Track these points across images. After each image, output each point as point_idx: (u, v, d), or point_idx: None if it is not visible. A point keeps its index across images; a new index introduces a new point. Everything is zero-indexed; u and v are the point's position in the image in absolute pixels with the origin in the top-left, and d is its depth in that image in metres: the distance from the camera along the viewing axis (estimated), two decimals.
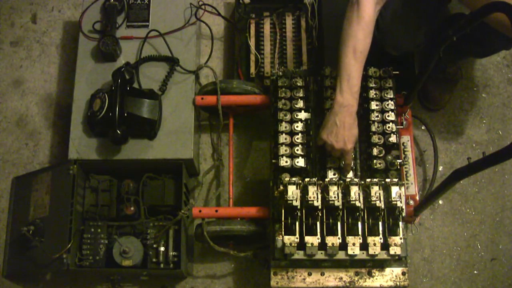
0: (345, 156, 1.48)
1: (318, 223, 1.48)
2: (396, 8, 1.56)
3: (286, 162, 1.53)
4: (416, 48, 1.70)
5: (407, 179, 1.63)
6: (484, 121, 1.96)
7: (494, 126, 1.95)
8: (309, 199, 1.44)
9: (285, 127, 1.57)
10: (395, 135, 1.55)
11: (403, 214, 1.48)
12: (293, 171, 1.54)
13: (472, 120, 1.96)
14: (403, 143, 1.66)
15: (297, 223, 1.47)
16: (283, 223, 1.47)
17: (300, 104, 1.60)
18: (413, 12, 1.58)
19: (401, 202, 1.45)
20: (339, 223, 1.48)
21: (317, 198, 1.44)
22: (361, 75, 1.41)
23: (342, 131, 1.42)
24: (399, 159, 1.54)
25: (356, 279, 1.53)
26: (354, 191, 1.45)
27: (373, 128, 1.56)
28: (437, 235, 1.83)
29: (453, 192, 1.87)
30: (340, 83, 1.40)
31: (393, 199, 1.45)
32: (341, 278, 1.53)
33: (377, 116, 1.57)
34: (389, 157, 1.54)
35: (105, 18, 1.84)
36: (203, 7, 1.87)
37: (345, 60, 1.39)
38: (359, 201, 1.46)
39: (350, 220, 1.49)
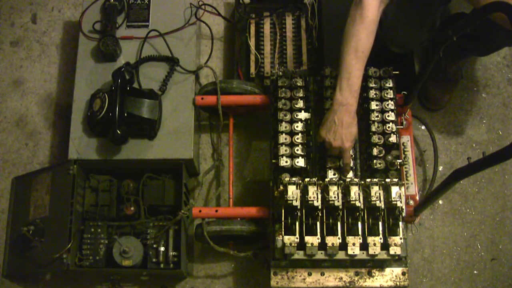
0: (344, 155, 1.48)
1: (318, 223, 1.48)
2: (399, 5, 1.56)
3: (286, 162, 1.53)
4: (419, 45, 1.69)
5: (407, 179, 1.63)
6: (484, 121, 1.96)
7: (494, 126, 1.95)
8: (309, 199, 1.44)
9: (285, 127, 1.57)
10: (395, 135, 1.55)
11: (403, 214, 1.48)
12: (293, 171, 1.54)
13: (472, 120, 1.96)
14: (403, 143, 1.66)
15: (297, 223, 1.48)
16: (283, 223, 1.47)
17: (300, 104, 1.60)
18: (416, 9, 1.57)
19: (401, 202, 1.45)
20: (339, 223, 1.48)
21: (317, 198, 1.44)
22: (362, 74, 1.41)
23: (340, 130, 1.43)
24: (399, 159, 1.54)
25: (356, 279, 1.53)
26: (354, 191, 1.45)
27: (373, 128, 1.56)
28: (437, 235, 1.83)
29: (453, 192, 1.87)
30: (340, 81, 1.40)
31: (393, 199, 1.45)
32: (341, 278, 1.53)
33: (377, 116, 1.57)
34: (389, 157, 1.54)
35: (105, 18, 1.84)
36: (203, 7, 1.87)
37: (347, 59, 1.39)
38: (359, 201, 1.46)
39: (350, 220, 1.49)
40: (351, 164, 1.53)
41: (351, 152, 1.52)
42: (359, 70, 1.39)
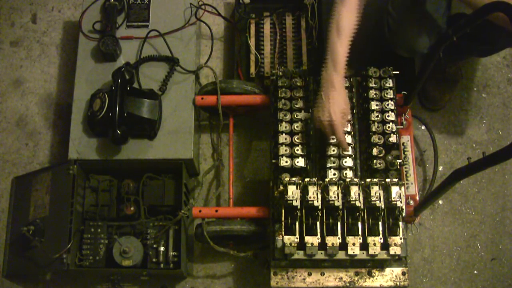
0: (334, 129, 1.45)
1: (318, 223, 1.48)
2: (407, 8, 1.56)
3: (286, 162, 1.53)
4: (427, 50, 1.67)
5: (407, 179, 1.63)
6: (484, 121, 1.96)
7: (494, 126, 1.95)
8: (309, 199, 1.44)
9: (285, 127, 1.57)
10: (395, 135, 1.55)
11: (403, 214, 1.48)
12: (293, 171, 1.54)
13: (472, 120, 1.96)
14: (403, 143, 1.66)
15: (297, 223, 1.48)
16: (283, 223, 1.47)
17: (300, 104, 1.60)
18: (425, 12, 1.57)
19: (401, 202, 1.45)
20: (339, 223, 1.48)
21: (317, 198, 1.45)
22: (346, 52, 1.43)
23: (327, 105, 1.43)
24: (399, 159, 1.54)
25: (356, 279, 1.53)
26: (354, 191, 1.45)
27: (373, 128, 1.56)
28: (437, 235, 1.83)
29: (453, 192, 1.87)
30: (326, 59, 1.45)
31: (393, 199, 1.45)
32: (341, 278, 1.53)
33: (377, 116, 1.57)
34: (389, 157, 1.54)
35: (105, 18, 1.84)
36: (203, 7, 1.87)
37: (330, 38, 1.44)
38: (359, 201, 1.46)
39: (350, 220, 1.49)
40: (346, 140, 1.51)
41: (347, 129, 1.52)
42: (341, 47, 1.42)
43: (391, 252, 1.46)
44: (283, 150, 1.54)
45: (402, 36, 1.61)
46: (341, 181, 1.47)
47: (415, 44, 1.63)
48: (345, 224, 1.49)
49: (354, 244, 1.46)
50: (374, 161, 1.53)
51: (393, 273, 1.53)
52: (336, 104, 1.43)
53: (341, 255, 1.48)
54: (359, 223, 1.49)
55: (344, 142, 1.50)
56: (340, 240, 1.46)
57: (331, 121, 1.44)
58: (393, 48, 1.66)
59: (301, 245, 1.47)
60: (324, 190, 1.46)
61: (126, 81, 1.65)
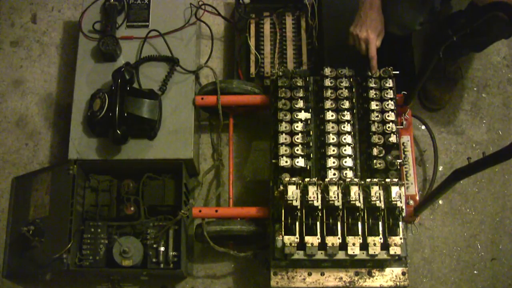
0: (369, 46, 1.56)
1: (318, 223, 1.48)
2: None
3: (286, 162, 1.53)
4: (419, 26, 1.67)
5: (407, 179, 1.63)
6: (484, 121, 1.96)
7: (494, 126, 1.95)
8: (309, 199, 1.44)
9: (285, 127, 1.57)
10: (395, 135, 1.55)
11: (403, 214, 1.48)
12: (293, 171, 1.54)
13: (472, 120, 1.96)
14: (403, 143, 1.66)
15: (297, 223, 1.48)
16: (283, 223, 1.47)
17: (300, 104, 1.60)
18: None
19: (401, 202, 1.45)
20: (339, 223, 1.48)
21: (317, 198, 1.44)
22: None
23: (365, 23, 1.55)
24: (399, 159, 1.54)
25: (356, 279, 1.53)
26: (354, 191, 1.45)
27: (373, 128, 1.56)
28: (437, 235, 1.83)
29: (453, 192, 1.87)
30: None
31: (393, 199, 1.45)
32: (341, 278, 1.53)
33: (377, 116, 1.57)
34: (389, 157, 1.54)
35: (105, 18, 1.84)
36: (203, 7, 1.87)
37: None
38: (359, 201, 1.46)
39: (350, 220, 1.49)
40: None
41: (376, 43, 1.58)
42: None
43: (391, 252, 1.46)
44: (283, 150, 1.54)
45: (394, 11, 1.61)
46: (341, 181, 1.47)
47: (406, 20, 1.63)
48: (345, 224, 1.48)
49: (354, 244, 1.46)
50: (374, 161, 1.53)
51: (393, 273, 1.53)
52: (374, 24, 1.54)
53: (341, 255, 1.48)
54: (359, 223, 1.49)
55: (375, 61, 1.59)
56: (340, 240, 1.46)
57: (368, 39, 1.55)
58: (385, 25, 1.66)
59: (301, 245, 1.47)
60: (324, 190, 1.46)
61: (126, 81, 1.65)
